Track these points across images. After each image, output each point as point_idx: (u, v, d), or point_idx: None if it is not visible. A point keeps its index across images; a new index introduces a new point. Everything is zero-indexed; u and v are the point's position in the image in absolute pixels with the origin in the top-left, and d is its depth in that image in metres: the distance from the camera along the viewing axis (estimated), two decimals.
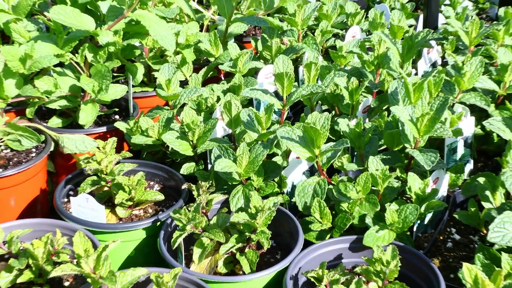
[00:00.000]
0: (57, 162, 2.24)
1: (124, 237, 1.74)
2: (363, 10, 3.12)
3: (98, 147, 1.95)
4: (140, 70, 2.38)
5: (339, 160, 1.87)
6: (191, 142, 2.00)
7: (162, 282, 1.39)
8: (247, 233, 1.63)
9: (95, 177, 1.89)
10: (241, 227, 1.66)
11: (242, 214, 1.64)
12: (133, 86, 2.42)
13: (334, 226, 1.73)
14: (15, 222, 1.72)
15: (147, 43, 2.42)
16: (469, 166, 2.10)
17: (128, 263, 1.80)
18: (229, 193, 1.78)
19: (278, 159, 1.93)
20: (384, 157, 1.85)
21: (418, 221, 1.75)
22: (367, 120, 2.24)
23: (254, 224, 1.60)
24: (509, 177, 1.51)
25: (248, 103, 2.36)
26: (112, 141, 1.95)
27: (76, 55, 2.19)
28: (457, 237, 1.80)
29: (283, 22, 2.83)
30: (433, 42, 2.65)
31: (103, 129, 2.21)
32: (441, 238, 1.80)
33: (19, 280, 1.51)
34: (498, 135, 2.15)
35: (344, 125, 1.93)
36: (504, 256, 1.43)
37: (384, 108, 2.21)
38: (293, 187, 1.88)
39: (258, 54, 2.72)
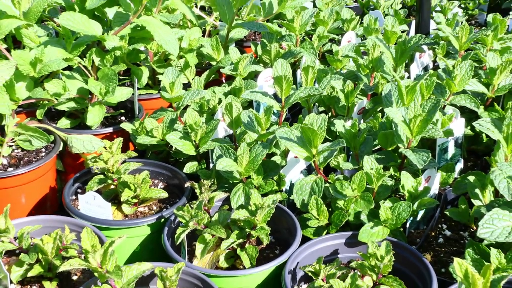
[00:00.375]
0: (66, 161, 2.23)
1: (129, 233, 1.74)
2: (358, 16, 3.11)
3: (105, 147, 1.95)
4: (145, 73, 2.38)
5: (335, 159, 1.86)
6: (193, 142, 1.99)
7: (166, 276, 1.38)
8: (247, 229, 1.63)
9: (102, 176, 1.89)
10: (242, 224, 1.66)
11: (243, 211, 1.63)
12: (138, 88, 2.41)
13: (331, 222, 1.72)
14: (26, 219, 1.72)
15: (152, 48, 2.41)
16: (460, 165, 2.09)
17: (134, 258, 1.79)
18: (230, 191, 1.78)
19: (277, 159, 1.93)
20: (379, 156, 1.85)
21: (411, 218, 1.75)
22: (362, 121, 2.24)
23: (254, 220, 1.60)
24: (498, 175, 1.50)
25: (248, 105, 2.36)
26: (118, 141, 1.94)
27: (84, 59, 2.19)
28: (448, 233, 1.80)
29: (281, 28, 2.83)
30: (425, 47, 2.64)
31: (110, 129, 2.21)
32: (433, 234, 1.79)
33: (29, 274, 1.51)
34: (487, 136, 2.15)
35: (340, 126, 1.93)
36: (493, 251, 1.43)
37: (378, 109, 2.20)
38: (291, 185, 1.88)
39: (258, 58, 2.71)
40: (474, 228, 1.77)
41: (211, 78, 2.62)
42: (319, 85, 2.07)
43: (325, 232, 1.72)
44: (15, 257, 1.60)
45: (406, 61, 2.41)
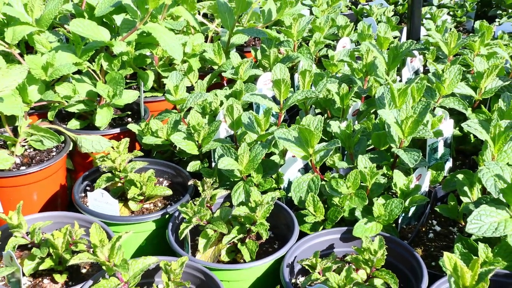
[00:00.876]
0: (76, 160, 2.23)
1: (135, 228, 1.74)
2: (352, 23, 3.11)
3: (112, 147, 1.95)
4: (151, 77, 2.37)
5: (331, 158, 1.86)
6: (196, 142, 1.99)
7: (170, 269, 1.38)
8: (247, 225, 1.62)
9: (109, 174, 1.89)
10: (242, 220, 1.65)
11: (243, 207, 1.63)
12: (144, 91, 2.41)
13: (327, 218, 1.72)
14: (37, 215, 1.71)
15: (157, 53, 2.41)
16: (449, 164, 2.09)
17: (139, 252, 1.79)
18: (231, 189, 1.77)
19: (275, 158, 1.92)
20: (372, 156, 1.85)
21: (403, 214, 1.74)
22: (356, 122, 2.23)
23: (254, 216, 1.59)
24: (486, 174, 1.50)
25: (248, 107, 2.35)
26: (125, 141, 1.94)
27: (93, 63, 2.18)
28: (438, 228, 1.79)
29: (280, 34, 2.82)
30: (415, 52, 2.64)
31: (117, 130, 2.20)
32: (423, 229, 1.79)
33: (41, 267, 1.50)
34: (474, 136, 2.14)
35: (336, 127, 1.92)
36: (481, 246, 1.42)
37: (371, 111, 2.20)
38: (289, 183, 1.87)
39: (258, 63, 2.71)
40: (463, 223, 1.77)
41: (213, 82, 2.62)
42: (316, 88, 2.07)
43: (321, 227, 1.72)
44: (27, 251, 1.60)
45: (398, 66, 2.41)
